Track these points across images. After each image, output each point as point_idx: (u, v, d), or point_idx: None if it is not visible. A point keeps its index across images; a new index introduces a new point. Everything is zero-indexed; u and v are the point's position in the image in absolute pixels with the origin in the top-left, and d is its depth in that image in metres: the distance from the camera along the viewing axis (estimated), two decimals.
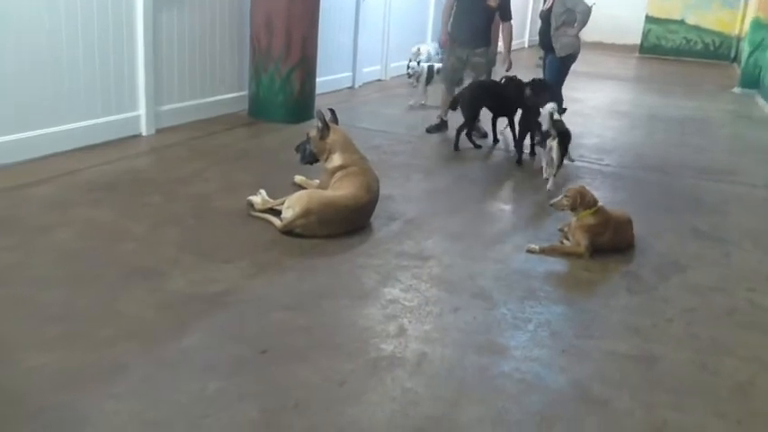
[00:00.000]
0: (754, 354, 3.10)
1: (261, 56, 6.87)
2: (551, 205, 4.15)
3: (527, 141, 6.39)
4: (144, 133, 5.95)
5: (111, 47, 5.50)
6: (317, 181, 4.56)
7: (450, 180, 5.68)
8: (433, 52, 10.27)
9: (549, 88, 6.57)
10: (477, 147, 6.68)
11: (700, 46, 19.23)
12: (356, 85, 9.76)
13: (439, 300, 3.39)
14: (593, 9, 7.10)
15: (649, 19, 19.43)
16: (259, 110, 7.07)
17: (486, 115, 6.85)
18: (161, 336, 2.85)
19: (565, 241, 4.15)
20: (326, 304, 3.25)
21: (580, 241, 4.03)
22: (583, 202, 4.03)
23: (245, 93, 7.21)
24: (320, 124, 4.35)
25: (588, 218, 4.05)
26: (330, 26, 8.37)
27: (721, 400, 2.72)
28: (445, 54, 7.40)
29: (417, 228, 4.35)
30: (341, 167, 4.29)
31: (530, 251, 4.05)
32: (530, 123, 6.19)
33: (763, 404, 2.73)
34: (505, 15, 6.99)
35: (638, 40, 19.51)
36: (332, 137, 4.37)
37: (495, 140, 6.87)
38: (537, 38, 20.66)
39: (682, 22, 19.28)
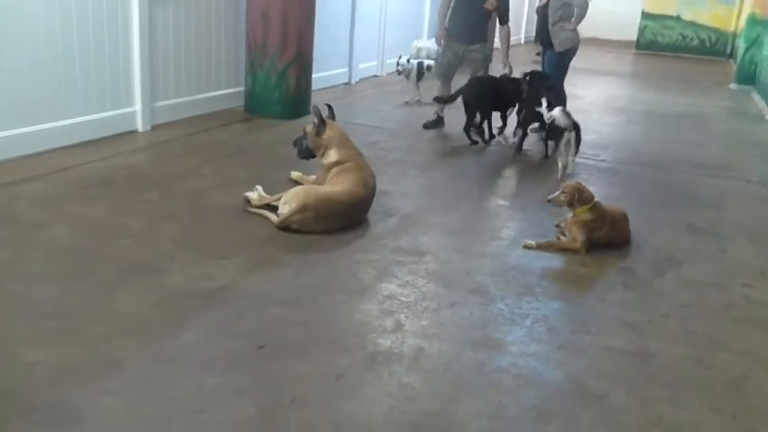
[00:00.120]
0: (749, 349, 3.11)
1: (257, 51, 6.85)
2: (549, 201, 4.15)
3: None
4: (140, 129, 5.94)
5: (106, 42, 5.48)
6: (314, 177, 4.55)
7: (446, 176, 5.68)
8: (433, 49, 10.26)
9: (547, 79, 6.61)
10: (474, 143, 6.68)
11: (696, 42, 19.26)
12: (352, 81, 9.75)
13: (436, 295, 3.40)
14: (590, 4, 7.08)
15: (645, 15, 19.45)
16: (255, 106, 7.06)
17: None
18: (157, 332, 2.85)
19: (561, 237, 4.16)
20: (323, 300, 3.25)
21: (576, 237, 4.04)
22: (580, 198, 4.04)
23: (241, 89, 7.20)
24: (316, 120, 4.35)
25: (585, 213, 4.05)
26: (326, 22, 8.35)
27: (716, 395, 2.73)
28: (441, 49, 7.41)
29: (414, 223, 4.35)
30: (337, 163, 4.29)
31: (526, 247, 4.05)
32: (529, 116, 6.33)
33: (759, 399, 2.74)
34: (503, 18, 7.03)
35: (634, 37, 19.53)
36: (328, 133, 4.36)
37: (492, 136, 6.86)
38: (533, 34, 20.76)
39: (678, 19, 19.30)
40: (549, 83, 6.59)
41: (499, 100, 6.75)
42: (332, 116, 4.56)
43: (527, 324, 3.18)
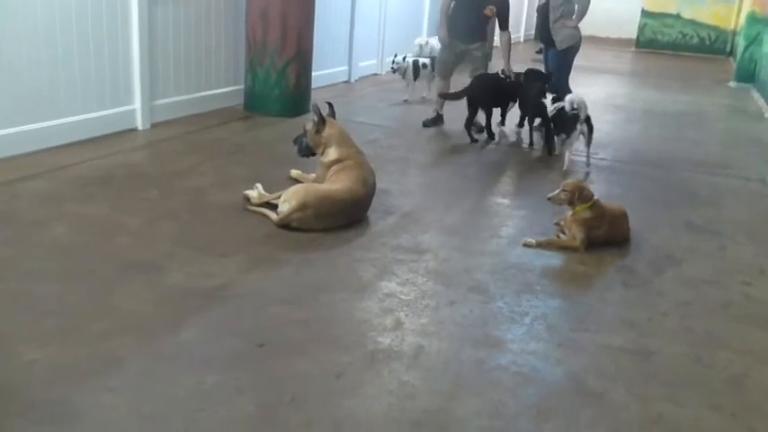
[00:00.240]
0: (748, 347, 3.11)
1: (256, 49, 6.85)
2: (549, 199, 4.15)
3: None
4: (139, 127, 5.94)
5: (105, 40, 5.48)
6: (314, 175, 4.55)
7: (446, 174, 5.68)
8: (436, 46, 10.25)
9: (542, 76, 6.75)
10: (474, 141, 6.68)
11: (695, 40, 19.25)
12: (352, 80, 9.75)
13: (435, 293, 3.40)
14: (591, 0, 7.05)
15: (645, 13, 19.44)
16: (255, 104, 7.06)
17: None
18: (157, 330, 2.85)
19: (561, 235, 4.16)
20: (323, 298, 3.25)
21: (576, 235, 4.04)
22: (581, 196, 4.04)
23: (240, 87, 7.20)
24: (316, 118, 4.35)
25: (584, 212, 4.05)
26: (326, 20, 8.35)
27: (716, 393, 2.73)
28: (441, 47, 7.43)
29: (414, 221, 4.35)
30: (337, 161, 4.29)
31: (526, 245, 4.06)
32: (527, 111, 6.64)
33: (758, 397, 2.74)
34: (504, 24, 7.11)
35: (633, 35, 19.52)
36: (328, 130, 4.37)
37: (492, 135, 6.87)
38: (533, 32, 20.74)
39: (677, 17, 19.29)
40: (544, 79, 6.71)
41: (500, 96, 6.88)
42: (332, 114, 4.55)
43: (526, 322, 3.18)
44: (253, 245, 3.77)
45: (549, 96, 6.31)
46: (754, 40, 12.52)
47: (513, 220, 4.59)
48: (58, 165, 4.79)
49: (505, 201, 5.13)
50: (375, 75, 10.52)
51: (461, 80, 7.23)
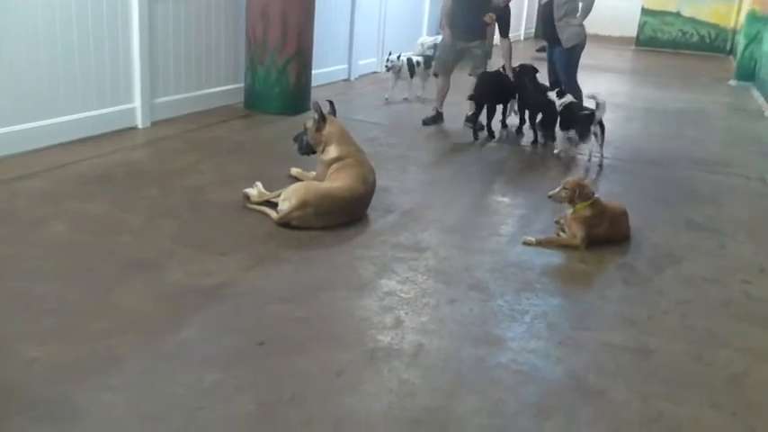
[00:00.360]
0: (748, 345, 3.11)
1: (257, 47, 6.84)
2: (550, 197, 4.15)
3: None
4: (139, 125, 5.93)
5: (105, 39, 5.47)
6: (314, 173, 4.55)
7: (446, 172, 5.68)
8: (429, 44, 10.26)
9: (536, 71, 6.89)
10: (476, 138, 6.69)
11: (695, 38, 19.23)
12: (352, 78, 9.74)
13: (435, 291, 3.40)
14: None
15: (645, 11, 19.41)
16: (255, 102, 7.05)
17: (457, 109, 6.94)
18: (158, 328, 2.85)
19: (561, 233, 4.16)
20: (323, 296, 3.25)
21: (576, 233, 4.04)
22: (581, 194, 4.04)
23: (240, 85, 7.19)
24: (317, 116, 4.35)
25: (584, 210, 4.05)
26: (326, 18, 8.33)
27: (716, 392, 2.73)
28: (441, 45, 7.47)
29: (414, 220, 4.35)
30: (337, 159, 4.29)
31: (526, 243, 4.05)
32: (527, 106, 6.79)
33: (758, 395, 2.74)
34: (504, 31, 7.27)
35: (633, 33, 19.49)
36: (328, 128, 4.36)
37: (492, 135, 6.87)
38: (533, 31, 20.68)
39: (677, 15, 19.27)
40: (531, 73, 6.87)
41: (503, 94, 6.97)
42: (333, 112, 4.55)
43: (527, 320, 3.18)
44: (253, 243, 3.77)
45: (554, 92, 6.38)
46: (754, 39, 12.51)
47: (513, 219, 4.59)
48: (58, 163, 4.79)
49: (505, 199, 5.13)
50: (375, 73, 10.50)
51: (461, 77, 7.23)
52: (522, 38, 18.42)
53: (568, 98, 6.29)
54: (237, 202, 4.30)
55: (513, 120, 7.28)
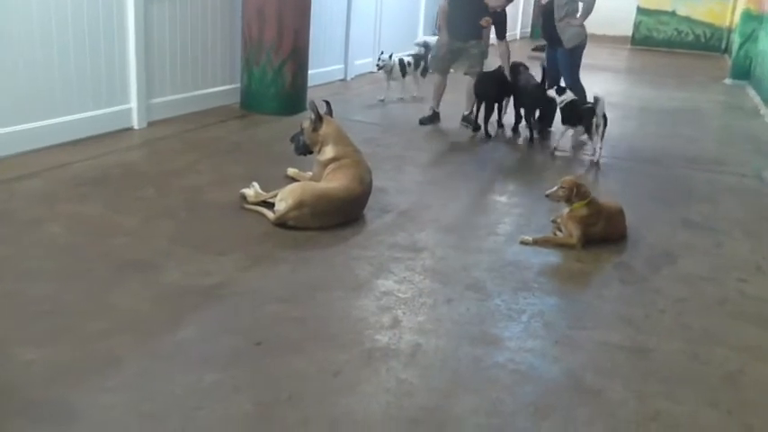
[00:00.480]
0: (744, 343, 3.12)
1: (253, 48, 6.84)
2: (547, 196, 4.16)
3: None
4: (136, 126, 5.92)
5: (101, 39, 5.46)
6: (310, 173, 4.55)
7: (442, 172, 5.69)
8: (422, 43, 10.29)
9: (527, 68, 7.10)
10: (476, 131, 6.87)
11: (691, 37, 19.29)
12: (348, 78, 9.74)
13: (432, 291, 3.40)
14: None
15: (640, 10, 19.46)
16: (251, 102, 7.05)
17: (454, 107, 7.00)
18: (155, 328, 2.84)
19: (557, 232, 4.17)
20: (320, 296, 3.25)
21: (572, 232, 4.04)
22: (578, 192, 4.04)
23: (237, 85, 7.19)
24: (313, 116, 4.35)
25: (581, 209, 4.06)
26: (322, 18, 8.33)
27: (713, 390, 2.74)
28: (438, 44, 7.49)
29: (410, 220, 4.36)
30: (334, 159, 4.29)
31: (523, 242, 4.06)
32: (523, 104, 6.91)
33: (754, 393, 2.75)
34: (501, 34, 7.36)
35: (629, 32, 19.54)
36: (325, 129, 4.36)
37: (488, 135, 6.90)
38: (529, 30, 20.69)
39: (673, 14, 19.33)
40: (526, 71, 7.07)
41: (502, 92, 7.04)
42: (329, 112, 4.55)
43: (524, 320, 3.18)
44: (250, 243, 3.77)
45: (553, 89, 6.48)
46: (749, 38, 12.55)
47: (509, 218, 4.60)
48: (55, 164, 4.78)
49: (502, 198, 5.13)
50: (371, 73, 10.50)
51: (457, 77, 7.24)
52: (518, 37, 18.43)
53: (569, 95, 6.34)
54: (234, 203, 4.30)
55: (508, 119, 7.31)
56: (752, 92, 11.25)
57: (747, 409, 2.64)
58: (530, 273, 3.70)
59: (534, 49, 15.60)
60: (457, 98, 7.30)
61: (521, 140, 6.90)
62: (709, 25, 19.02)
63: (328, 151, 4.33)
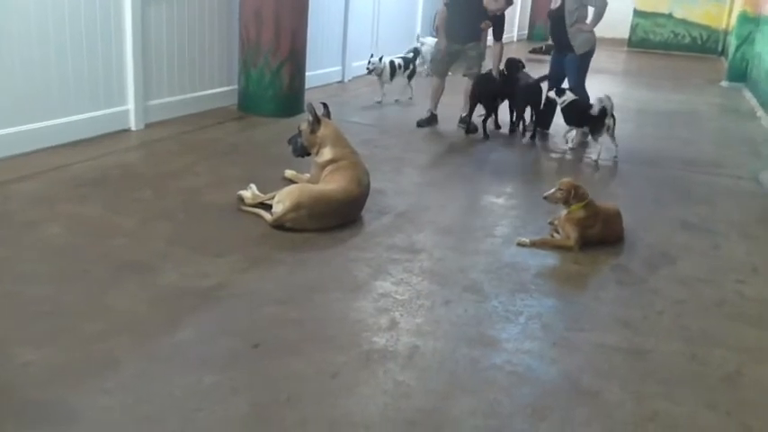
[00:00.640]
0: (742, 344, 3.13)
1: (250, 50, 6.84)
2: (545, 198, 4.16)
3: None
4: (133, 128, 5.92)
5: (99, 40, 5.46)
6: (308, 175, 4.55)
7: (440, 173, 5.69)
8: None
9: (519, 64, 7.14)
10: (486, 136, 6.95)
11: (687, 40, 19.34)
12: (346, 80, 9.74)
13: (430, 293, 3.40)
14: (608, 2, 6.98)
15: (637, 13, 19.51)
16: (249, 104, 7.05)
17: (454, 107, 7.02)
18: (153, 330, 2.84)
19: (555, 234, 4.17)
20: (318, 298, 3.25)
21: (570, 234, 4.05)
22: (576, 194, 4.05)
23: (234, 87, 7.19)
24: (311, 117, 4.35)
25: (578, 211, 4.06)
26: (319, 20, 8.34)
27: (711, 391, 2.74)
28: (436, 48, 7.52)
29: (408, 221, 4.36)
30: (331, 161, 4.29)
31: (520, 244, 4.06)
32: (518, 102, 7.08)
33: (752, 394, 2.76)
34: (498, 36, 7.40)
35: (626, 34, 19.59)
36: (323, 131, 4.36)
37: (486, 136, 6.92)
38: (526, 32, 20.71)
39: (669, 16, 19.38)
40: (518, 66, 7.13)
41: (496, 92, 7.09)
42: (327, 114, 4.56)
43: (521, 321, 3.18)
44: (247, 245, 3.77)
45: (553, 91, 6.58)
46: (745, 40, 12.58)
47: (507, 220, 4.60)
48: (52, 165, 4.77)
49: (500, 200, 5.14)
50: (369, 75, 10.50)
51: (455, 80, 7.25)
52: (515, 39, 18.47)
53: (569, 96, 6.36)
54: (232, 205, 4.30)
55: (505, 118, 7.35)
56: (748, 94, 11.28)
57: (746, 410, 2.64)
58: (527, 274, 3.70)
59: (532, 51, 15.64)
60: (455, 100, 7.31)
61: (518, 142, 6.91)
62: (706, 27, 19.08)
63: (326, 153, 4.33)
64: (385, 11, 10.79)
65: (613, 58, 16.65)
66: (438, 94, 7.33)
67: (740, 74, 12.44)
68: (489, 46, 7.60)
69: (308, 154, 4.47)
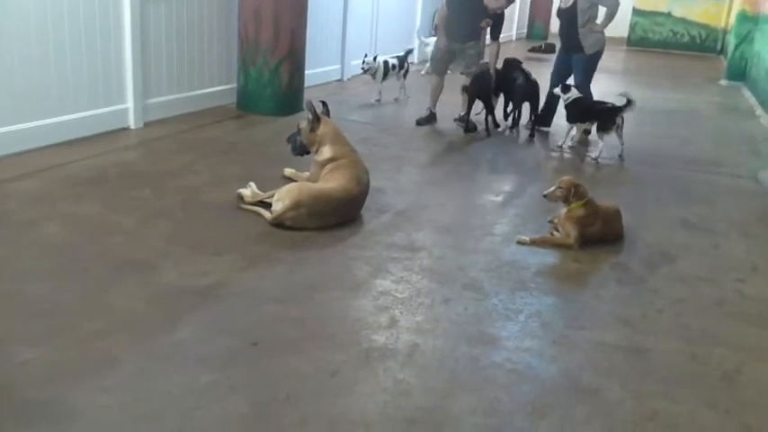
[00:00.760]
0: (742, 343, 3.13)
1: (249, 48, 6.83)
2: (545, 196, 4.16)
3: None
4: (132, 126, 5.91)
5: (98, 39, 5.45)
6: (307, 173, 4.55)
7: (439, 172, 5.69)
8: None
9: (520, 63, 7.20)
10: (496, 126, 7.08)
11: (686, 38, 19.35)
12: (345, 78, 9.73)
13: (430, 291, 3.40)
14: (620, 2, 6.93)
15: (636, 12, 19.51)
16: (248, 103, 7.04)
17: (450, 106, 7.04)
18: (152, 329, 2.83)
19: (555, 233, 4.16)
20: (318, 296, 3.25)
21: (570, 232, 4.04)
22: (576, 193, 4.04)
23: (233, 85, 7.18)
24: (310, 116, 4.34)
25: (578, 209, 4.06)
26: (318, 18, 8.33)
27: (711, 390, 2.74)
28: (436, 47, 7.52)
29: (408, 220, 4.35)
30: (331, 160, 4.28)
31: (520, 242, 4.06)
32: (515, 98, 7.16)
33: (752, 393, 2.75)
34: (495, 35, 7.61)
35: (625, 33, 19.58)
36: (322, 129, 4.36)
37: (488, 133, 6.96)
38: (525, 31, 20.72)
39: (668, 15, 19.38)
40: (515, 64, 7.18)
41: (491, 89, 7.18)
42: (326, 113, 4.55)
43: (521, 319, 3.18)
44: (247, 243, 3.76)
45: (558, 87, 6.59)
46: (744, 39, 12.58)
47: (506, 218, 4.60)
48: (50, 164, 4.77)
49: (499, 198, 5.13)
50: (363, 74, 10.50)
51: (456, 78, 7.25)
52: (513, 38, 18.47)
53: (574, 93, 6.37)
54: (231, 203, 4.29)
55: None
56: (747, 93, 11.28)
57: (745, 409, 2.64)
58: (527, 273, 3.70)
59: (531, 50, 15.64)
60: (454, 99, 7.31)
61: (517, 140, 6.90)
62: (705, 26, 19.09)
63: (326, 151, 4.32)
64: (384, 10, 10.79)
65: (612, 57, 16.60)
66: (437, 92, 7.33)
67: (739, 73, 12.44)
68: (486, 44, 7.63)
69: (308, 152, 4.47)
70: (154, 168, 4.98)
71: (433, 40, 10.35)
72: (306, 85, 7.45)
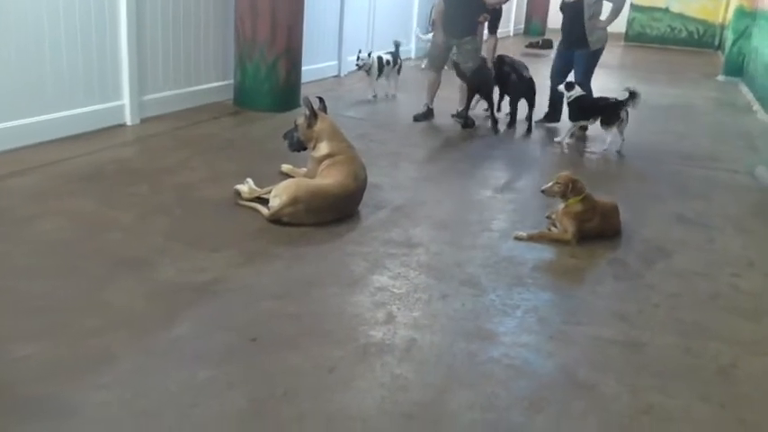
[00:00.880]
0: (737, 338, 3.14)
1: (246, 44, 6.82)
2: (542, 191, 4.16)
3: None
4: (128, 123, 5.91)
5: (93, 34, 5.44)
6: (305, 169, 4.55)
7: (436, 168, 5.69)
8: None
9: (514, 61, 7.26)
10: (495, 132, 7.04)
11: (684, 34, 19.35)
12: (342, 74, 9.73)
13: (427, 287, 3.40)
14: None
15: (634, 7, 19.51)
16: (245, 99, 7.04)
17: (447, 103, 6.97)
18: (150, 325, 2.84)
19: (552, 228, 4.17)
20: (315, 292, 3.25)
21: (567, 228, 4.05)
22: (574, 188, 4.05)
23: (230, 81, 7.17)
24: (308, 112, 4.34)
25: (576, 205, 4.07)
26: (315, 14, 8.32)
27: (706, 384, 2.75)
28: (433, 43, 7.53)
29: (405, 216, 4.36)
30: (328, 156, 4.28)
31: (517, 238, 4.07)
32: (513, 94, 7.24)
33: (746, 387, 2.77)
34: (493, 29, 7.53)
35: (622, 29, 19.58)
36: (319, 125, 4.36)
37: (496, 130, 7.01)
38: (522, 26, 20.70)
39: (666, 11, 19.39)
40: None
41: (492, 83, 7.22)
42: (323, 108, 4.55)
43: (518, 315, 3.19)
44: (244, 240, 3.77)
45: (562, 84, 6.63)
46: (742, 34, 12.59)
47: (504, 214, 4.61)
48: (47, 161, 4.76)
49: (496, 194, 5.14)
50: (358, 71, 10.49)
51: (452, 74, 7.25)
52: (511, 34, 18.45)
53: (578, 90, 6.39)
54: (228, 199, 4.29)
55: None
56: (744, 88, 11.30)
57: (740, 403, 2.65)
58: (524, 268, 3.71)
59: (528, 46, 15.63)
60: (452, 95, 7.31)
61: (515, 136, 6.91)
62: (703, 22, 19.10)
63: (323, 147, 4.32)
64: (381, 5, 10.77)
65: (610, 53, 16.50)
66: (434, 88, 7.33)
67: (737, 68, 12.46)
68: (485, 40, 7.63)
69: (305, 148, 4.47)
70: (151, 165, 4.98)
71: (430, 36, 10.37)
72: (303, 81, 7.45)
